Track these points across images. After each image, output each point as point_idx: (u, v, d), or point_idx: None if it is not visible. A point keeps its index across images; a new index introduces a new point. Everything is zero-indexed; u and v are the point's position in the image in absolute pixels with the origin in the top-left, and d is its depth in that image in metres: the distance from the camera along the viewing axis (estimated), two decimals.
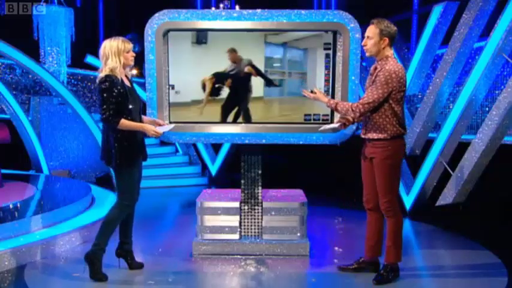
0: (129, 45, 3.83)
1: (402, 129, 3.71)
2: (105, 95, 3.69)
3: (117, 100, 3.71)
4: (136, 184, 3.99)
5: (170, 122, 4.32)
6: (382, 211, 3.78)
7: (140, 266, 4.13)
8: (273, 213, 4.53)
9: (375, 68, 3.72)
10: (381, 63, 3.67)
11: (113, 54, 3.75)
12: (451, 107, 5.67)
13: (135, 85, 3.99)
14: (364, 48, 3.73)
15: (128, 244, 4.10)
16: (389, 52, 3.69)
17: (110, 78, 3.71)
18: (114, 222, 3.89)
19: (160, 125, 4.01)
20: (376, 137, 3.70)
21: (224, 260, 4.37)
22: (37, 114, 9.12)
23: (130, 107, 3.79)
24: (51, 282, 3.97)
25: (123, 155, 3.77)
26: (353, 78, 4.16)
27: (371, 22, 3.68)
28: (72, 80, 9.91)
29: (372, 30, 3.66)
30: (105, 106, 3.69)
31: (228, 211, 4.52)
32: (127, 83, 3.86)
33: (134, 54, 3.89)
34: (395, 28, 3.71)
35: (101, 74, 3.76)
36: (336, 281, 3.91)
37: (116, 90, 3.70)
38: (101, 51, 3.79)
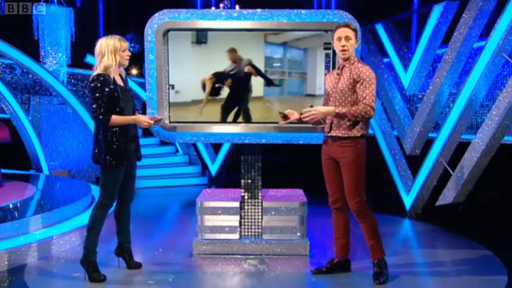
0: (126, 44, 3.81)
1: (367, 130, 3.77)
2: (96, 94, 3.67)
3: (108, 99, 3.68)
4: (130, 183, 3.98)
5: (170, 122, 4.33)
6: (353, 213, 3.79)
7: (138, 266, 4.13)
8: (273, 213, 4.53)
9: (342, 67, 3.74)
10: (351, 63, 3.71)
11: (109, 52, 3.72)
12: (451, 106, 5.67)
13: (131, 83, 3.98)
14: (344, 49, 3.67)
15: (127, 243, 4.10)
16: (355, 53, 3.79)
17: (102, 77, 3.68)
18: (98, 223, 3.84)
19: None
20: (346, 135, 3.71)
21: (224, 260, 4.37)
22: (37, 114, 9.12)
23: (121, 106, 3.76)
24: (51, 282, 3.97)
25: (111, 154, 3.71)
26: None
27: (344, 25, 3.69)
28: (72, 80, 9.91)
29: (349, 32, 3.67)
30: (95, 105, 3.67)
31: (228, 211, 4.52)
32: (120, 82, 3.84)
33: (130, 54, 3.87)
34: None
35: (94, 73, 3.74)
36: (336, 281, 3.90)
37: (107, 89, 3.68)
38: (97, 48, 3.76)
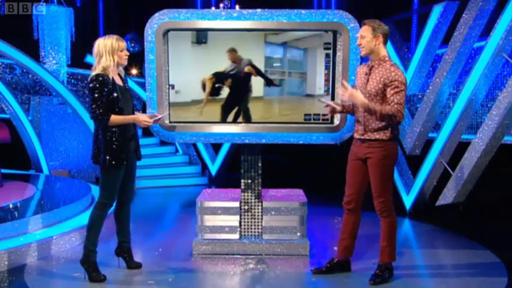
0: (123, 44, 3.80)
1: (397, 132, 3.75)
2: (95, 94, 3.67)
3: (107, 99, 3.69)
4: (129, 183, 3.99)
5: (170, 122, 4.33)
6: (377, 211, 3.78)
7: (138, 266, 4.13)
8: (273, 213, 4.53)
9: (371, 67, 3.70)
10: (380, 63, 3.67)
11: (106, 53, 3.72)
12: (451, 106, 5.67)
13: (131, 83, 3.98)
14: (360, 47, 3.73)
15: (126, 243, 4.10)
16: (385, 52, 3.70)
17: (101, 77, 3.68)
18: (98, 223, 3.85)
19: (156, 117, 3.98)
20: (374, 138, 3.70)
21: (224, 260, 4.37)
22: (37, 114, 9.11)
23: (121, 106, 3.76)
24: (51, 282, 3.97)
25: (111, 154, 3.72)
26: (353, 78, 4.15)
27: (362, 24, 3.71)
28: (72, 80, 9.92)
29: (364, 30, 3.67)
30: (94, 105, 3.67)
31: (228, 211, 4.52)
32: (119, 82, 3.84)
33: (128, 53, 3.86)
34: (386, 27, 3.73)
35: (93, 73, 3.75)
36: (336, 281, 3.91)
37: (106, 89, 3.68)
38: (95, 49, 3.75)
